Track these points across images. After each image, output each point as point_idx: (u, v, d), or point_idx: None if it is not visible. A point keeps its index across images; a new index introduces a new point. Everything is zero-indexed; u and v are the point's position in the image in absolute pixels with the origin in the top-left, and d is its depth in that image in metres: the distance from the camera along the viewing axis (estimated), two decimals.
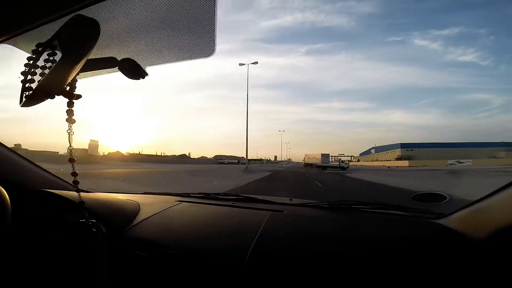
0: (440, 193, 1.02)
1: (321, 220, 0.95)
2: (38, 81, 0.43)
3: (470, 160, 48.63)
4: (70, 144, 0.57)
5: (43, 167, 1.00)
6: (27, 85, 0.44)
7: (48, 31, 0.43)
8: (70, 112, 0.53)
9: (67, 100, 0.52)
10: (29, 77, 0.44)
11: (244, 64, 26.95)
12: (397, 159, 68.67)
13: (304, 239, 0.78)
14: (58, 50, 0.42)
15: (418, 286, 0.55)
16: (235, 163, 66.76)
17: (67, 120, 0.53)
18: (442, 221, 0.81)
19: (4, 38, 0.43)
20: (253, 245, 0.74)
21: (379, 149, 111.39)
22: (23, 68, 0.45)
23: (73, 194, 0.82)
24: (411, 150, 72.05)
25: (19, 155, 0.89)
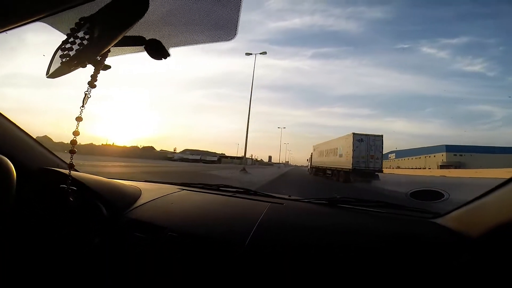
0: (438, 190, 1.00)
1: (319, 214, 0.96)
2: (76, 50, 0.46)
3: None
4: (83, 105, 0.59)
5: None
6: (64, 52, 0.47)
7: (90, 10, 0.46)
8: (93, 77, 0.55)
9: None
10: (67, 45, 0.47)
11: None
12: (442, 166, 47.92)
13: (302, 230, 0.79)
14: (98, 23, 0.45)
15: (414, 285, 0.55)
16: (211, 162, 50.92)
17: (88, 83, 0.55)
18: (439, 220, 0.81)
19: (41, 15, 0.43)
20: (254, 231, 0.75)
21: (402, 153, 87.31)
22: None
23: (75, 173, 0.84)
24: (461, 155, 54.19)
25: (25, 133, 0.88)
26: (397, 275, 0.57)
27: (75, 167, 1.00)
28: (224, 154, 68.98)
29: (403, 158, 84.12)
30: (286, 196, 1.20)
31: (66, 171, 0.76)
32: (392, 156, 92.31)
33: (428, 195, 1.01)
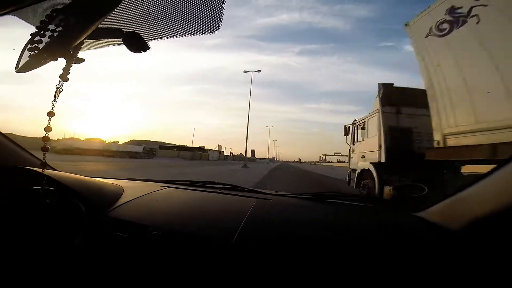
0: (418, 185, 1.04)
1: (306, 208, 0.97)
2: (46, 43, 0.45)
3: None
4: (55, 99, 0.56)
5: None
6: (33, 45, 0.45)
7: (58, 3, 0.46)
8: (65, 70, 0.53)
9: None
10: (37, 38, 0.45)
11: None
12: None
13: (289, 225, 0.80)
14: (71, 15, 0.44)
15: (398, 277, 0.55)
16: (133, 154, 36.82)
17: (60, 76, 0.53)
18: (421, 214, 0.83)
19: (12, 8, 0.43)
20: (241, 227, 0.74)
21: None
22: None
23: (52, 172, 0.84)
24: None
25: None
26: (382, 268, 0.57)
27: (51, 166, 1.01)
28: (186, 145, 59.25)
29: None
30: (273, 192, 1.22)
31: (40, 170, 0.74)
32: None
33: (410, 189, 1.06)
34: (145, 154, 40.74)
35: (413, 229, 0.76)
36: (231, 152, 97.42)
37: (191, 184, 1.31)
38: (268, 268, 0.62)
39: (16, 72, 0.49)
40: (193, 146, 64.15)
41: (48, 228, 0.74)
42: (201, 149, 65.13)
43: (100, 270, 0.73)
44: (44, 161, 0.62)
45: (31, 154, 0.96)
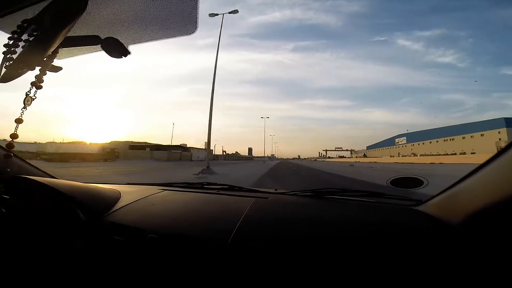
0: (417, 177, 1.01)
1: (304, 206, 0.96)
2: (20, 53, 0.46)
3: None
4: (25, 106, 0.55)
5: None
6: (8, 56, 0.46)
7: (32, 12, 0.47)
8: (39, 78, 0.53)
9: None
10: (12, 49, 0.46)
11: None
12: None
13: (287, 223, 0.79)
14: (41, 25, 0.45)
15: (400, 272, 0.55)
16: None
17: (32, 83, 0.53)
18: (421, 208, 0.83)
19: None
20: (237, 227, 0.74)
21: (417, 136, 74.05)
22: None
23: (49, 180, 0.85)
24: None
25: None
26: (383, 264, 0.57)
27: (48, 173, 1.04)
28: (161, 144, 50.88)
29: (420, 143, 70.37)
30: (272, 190, 1.20)
31: (40, 178, 0.78)
32: (401, 140, 79.38)
33: (408, 183, 1.02)
34: (104, 156, 32.81)
35: (412, 223, 0.75)
36: (224, 151, 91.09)
37: (189, 186, 1.32)
38: (265, 267, 0.61)
39: None
40: (172, 144, 54.39)
41: (46, 235, 0.75)
42: (182, 147, 55.26)
43: (97, 273, 0.74)
44: (4, 168, 0.59)
45: None
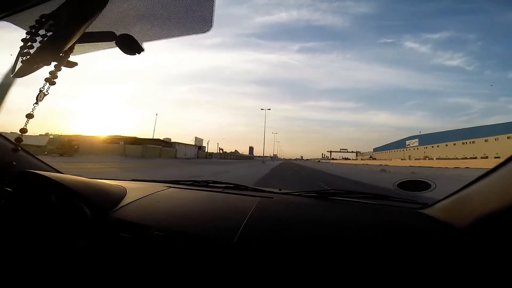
0: (425, 180, 1.01)
1: (309, 206, 0.97)
2: (37, 48, 0.46)
3: None
4: (37, 102, 0.54)
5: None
6: (25, 50, 0.46)
7: (51, 7, 0.47)
8: (53, 74, 0.52)
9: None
10: (29, 43, 0.47)
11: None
12: None
13: (292, 223, 0.79)
14: (59, 20, 0.45)
15: (405, 275, 0.55)
16: None
17: (46, 79, 0.52)
18: (427, 211, 0.83)
19: (4, 14, 0.46)
20: (243, 226, 0.75)
21: (431, 138, 66.81)
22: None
23: (55, 175, 0.84)
24: None
25: (0, 134, 0.87)
26: (388, 266, 0.57)
27: (55, 168, 1.05)
28: (137, 137, 42.61)
29: (434, 145, 63.24)
30: (277, 190, 1.21)
31: (47, 173, 0.79)
32: (413, 143, 72.08)
33: (415, 186, 1.02)
34: (58, 150, 27.54)
35: (418, 226, 0.74)
36: (220, 149, 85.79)
37: (194, 184, 1.32)
38: (270, 267, 0.61)
39: (12, 77, 0.49)
40: (153, 138, 47.88)
41: (52, 230, 0.75)
42: (164, 142, 49.53)
43: (103, 270, 0.74)
44: (12, 163, 0.61)
45: None
